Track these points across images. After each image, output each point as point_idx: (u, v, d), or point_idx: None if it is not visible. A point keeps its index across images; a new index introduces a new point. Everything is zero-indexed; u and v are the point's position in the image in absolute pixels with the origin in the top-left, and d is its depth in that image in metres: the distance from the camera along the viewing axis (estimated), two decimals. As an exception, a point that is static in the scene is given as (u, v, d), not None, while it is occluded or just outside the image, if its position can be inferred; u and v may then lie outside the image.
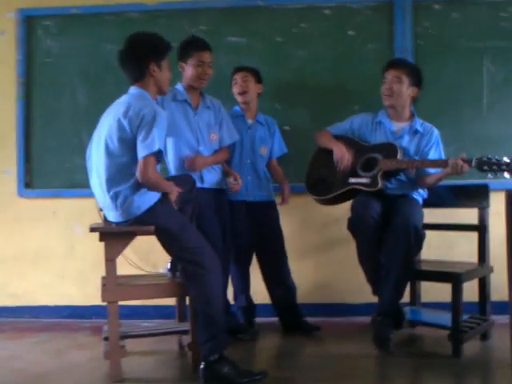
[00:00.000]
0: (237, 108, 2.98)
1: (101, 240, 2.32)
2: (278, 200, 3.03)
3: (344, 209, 2.79)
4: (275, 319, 3.00)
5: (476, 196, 2.70)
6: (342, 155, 2.74)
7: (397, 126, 2.78)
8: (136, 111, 2.23)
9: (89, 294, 3.23)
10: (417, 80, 2.74)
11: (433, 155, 2.71)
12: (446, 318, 2.53)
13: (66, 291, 3.34)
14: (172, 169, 2.73)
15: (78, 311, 3.31)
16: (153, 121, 2.21)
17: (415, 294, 2.93)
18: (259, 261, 2.97)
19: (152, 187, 2.27)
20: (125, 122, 2.23)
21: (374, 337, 2.50)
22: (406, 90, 2.72)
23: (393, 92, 2.72)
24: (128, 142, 2.24)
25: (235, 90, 2.93)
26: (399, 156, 2.63)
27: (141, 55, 2.32)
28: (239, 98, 2.93)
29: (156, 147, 2.20)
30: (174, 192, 2.33)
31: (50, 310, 3.34)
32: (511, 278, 1.81)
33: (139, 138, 2.21)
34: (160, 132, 2.23)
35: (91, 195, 2.47)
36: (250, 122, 2.96)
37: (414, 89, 2.74)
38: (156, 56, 2.33)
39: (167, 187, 2.31)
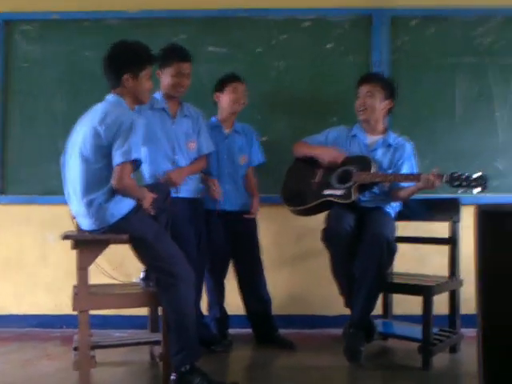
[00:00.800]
0: (213, 119, 2.98)
1: (73, 248, 2.29)
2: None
3: (319, 220, 2.79)
4: (249, 330, 3.00)
5: (447, 210, 2.74)
6: (332, 154, 2.75)
7: (371, 139, 2.82)
8: (113, 119, 2.22)
9: (60, 302, 3.20)
10: (390, 93, 2.78)
11: (406, 169, 2.74)
12: (417, 330, 2.55)
13: (36, 300, 3.29)
14: (147, 177, 2.71)
15: (48, 320, 3.26)
16: (130, 129, 2.20)
17: (387, 307, 2.96)
18: (236, 272, 2.96)
19: (126, 194, 2.26)
20: (101, 130, 2.21)
21: (345, 349, 2.51)
22: (380, 104, 2.76)
23: (366, 107, 2.76)
24: (103, 150, 2.22)
25: (233, 98, 2.88)
26: (373, 169, 2.65)
27: (116, 65, 2.32)
28: (234, 107, 2.91)
29: (132, 156, 2.19)
30: (148, 198, 2.31)
31: (19, 319, 3.29)
32: (479, 291, 1.83)
33: (115, 146, 2.19)
34: (137, 140, 2.22)
35: (65, 202, 2.45)
36: (226, 131, 2.97)
37: (389, 102, 2.78)
38: (133, 66, 2.31)
39: (140, 193, 2.30)
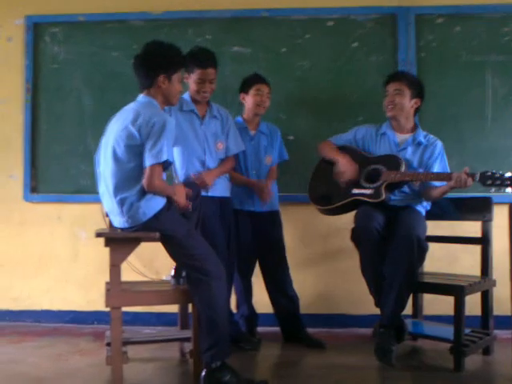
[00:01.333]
0: (239, 119, 3.00)
1: (106, 245, 2.33)
2: (282, 209, 3.03)
3: (346, 219, 2.81)
4: (277, 329, 3.00)
5: (479, 209, 2.70)
6: (347, 167, 2.75)
7: (400, 137, 2.81)
8: (146, 119, 2.25)
9: (92, 299, 3.26)
10: (418, 91, 2.77)
11: (437, 168, 2.73)
12: (448, 331, 2.53)
13: (68, 296, 3.35)
14: (179, 177, 2.73)
15: (80, 316, 3.33)
16: (162, 130, 2.23)
17: (417, 307, 2.93)
18: (262, 270, 2.98)
19: (157, 194, 2.29)
20: (133, 130, 2.25)
21: (376, 348, 2.50)
22: (408, 102, 2.75)
23: (395, 104, 2.75)
24: (136, 149, 2.26)
25: (258, 99, 2.90)
26: (403, 168, 2.64)
27: (152, 65, 2.35)
28: (261, 111, 2.94)
29: (164, 157, 2.23)
30: (180, 192, 2.34)
31: (52, 314, 3.35)
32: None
33: (147, 147, 2.23)
34: (168, 142, 2.25)
35: (95, 201, 2.49)
36: (252, 132, 2.98)
37: (417, 100, 2.78)
38: (167, 69, 2.35)
39: (172, 191, 2.33)
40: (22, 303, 3.37)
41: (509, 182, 2.39)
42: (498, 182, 2.41)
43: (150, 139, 2.23)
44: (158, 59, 2.35)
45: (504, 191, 2.43)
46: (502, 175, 2.41)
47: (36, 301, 3.37)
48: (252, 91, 2.91)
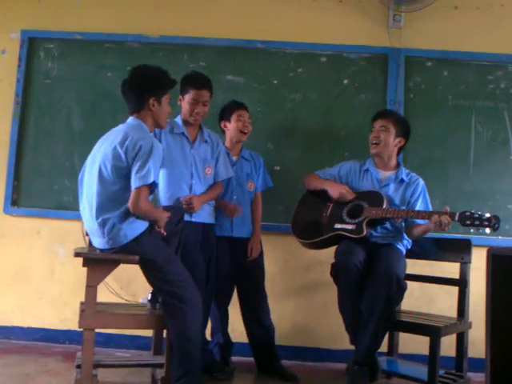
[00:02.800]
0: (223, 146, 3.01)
1: (84, 265, 2.30)
2: (264, 237, 3.02)
3: (328, 253, 2.80)
4: (252, 359, 2.97)
5: (458, 251, 2.73)
6: (340, 191, 2.77)
7: (383, 174, 2.85)
8: (133, 142, 2.26)
9: (65, 317, 3.20)
10: (404, 131, 2.83)
11: (419, 206, 2.76)
12: (422, 371, 2.52)
13: (41, 313, 3.28)
14: (163, 200, 2.72)
15: (51, 335, 3.25)
16: (149, 153, 2.24)
17: (393, 345, 2.92)
18: (239, 298, 2.95)
19: (142, 217, 2.28)
20: (121, 151, 2.26)
21: None
22: (393, 139, 2.80)
23: (380, 141, 2.80)
24: (122, 171, 2.26)
25: (241, 126, 2.92)
26: (385, 205, 2.67)
27: (142, 88, 2.37)
28: (243, 137, 2.95)
29: (150, 179, 2.23)
30: (164, 219, 2.34)
31: (22, 331, 3.28)
32: (489, 335, 1.83)
33: (134, 169, 2.23)
34: (155, 164, 2.26)
35: (77, 218, 2.47)
36: (234, 158, 2.99)
37: (401, 139, 2.83)
38: (157, 91, 2.37)
39: (157, 215, 2.33)
40: (-8, 318, 3.29)
41: (487, 223, 2.42)
42: (477, 223, 2.44)
43: (136, 161, 2.24)
44: (147, 82, 2.38)
45: (483, 232, 2.46)
46: (481, 216, 2.44)
47: (7, 316, 3.29)
48: (233, 117, 2.93)
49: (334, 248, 2.73)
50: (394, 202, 2.77)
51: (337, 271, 2.60)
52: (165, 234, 2.36)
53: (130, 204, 2.23)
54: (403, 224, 2.79)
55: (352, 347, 2.63)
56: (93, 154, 2.40)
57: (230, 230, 2.90)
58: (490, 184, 3.24)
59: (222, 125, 2.99)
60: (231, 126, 2.94)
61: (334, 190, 2.80)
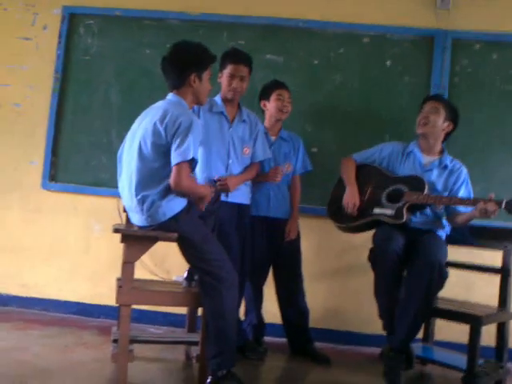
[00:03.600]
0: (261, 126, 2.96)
1: (122, 241, 2.32)
2: (300, 220, 2.99)
3: (363, 237, 2.77)
4: (284, 340, 2.97)
5: (501, 238, 2.65)
6: (351, 202, 2.73)
7: (427, 158, 2.77)
8: (173, 118, 2.24)
9: (100, 293, 3.24)
10: (453, 116, 2.74)
11: (462, 194, 2.68)
12: (458, 359, 2.49)
13: (77, 288, 3.34)
14: (200, 179, 2.70)
15: (87, 309, 3.31)
16: (189, 129, 2.22)
17: (429, 331, 2.87)
18: (275, 279, 2.95)
19: (185, 194, 2.27)
20: (161, 128, 2.24)
21: (386, 372, 2.44)
22: (442, 122, 2.72)
23: (428, 121, 2.71)
24: (162, 148, 2.25)
25: (280, 105, 2.90)
26: (426, 191, 2.60)
27: (183, 64, 2.35)
28: (283, 116, 2.92)
29: (190, 155, 2.21)
30: (209, 195, 2.34)
31: (59, 304, 3.34)
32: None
33: (174, 145, 2.22)
34: (195, 141, 2.24)
35: (113, 195, 2.48)
36: (272, 138, 2.97)
37: (450, 124, 2.74)
38: (198, 67, 2.35)
39: (202, 191, 2.33)
40: (29, 290, 3.36)
41: None
42: None
43: (176, 138, 2.22)
44: (188, 58, 2.35)
45: None
46: None
47: (44, 289, 3.36)
48: (273, 97, 2.90)
49: (369, 232, 2.68)
50: (435, 187, 2.70)
51: (375, 257, 2.55)
52: (203, 209, 2.35)
53: (171, 181, 2.22)
54: (443, 210, 2.71)
55: (384, 332, 2.60)
56: (132, 131, 2.40)
57: (266, 210, 2.88)
58: (535, 173, 3.13)
59: (262, 104, 2.96)
60: (270, 105, 2.92)
61: (348, 198, 2.75)
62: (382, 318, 2.61)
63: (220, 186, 2.61)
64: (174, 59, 2.37)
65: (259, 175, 2.84)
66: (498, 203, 2.42)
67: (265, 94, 2.94)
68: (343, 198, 2.78)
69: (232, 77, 2.70)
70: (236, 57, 2.72)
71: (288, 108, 2.92)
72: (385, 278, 2.52)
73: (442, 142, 2.80)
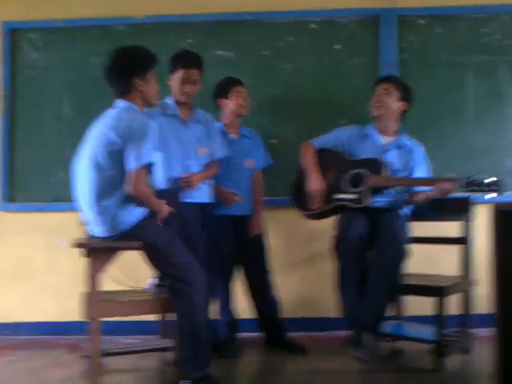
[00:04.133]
0: (218, 125, 2.95)
1: (86, 256, 2.28)
2: (265, 212, 2.99)
3: (329, 222, 2.78)
4: (258, 334, 2.96)
5: (459, 210, 2.69)
6: (315, 188, 2.74)
7: (384, 139, 2.79)
8: (125, 124, 2.22)
9: (69, 309, 3.16)
10: (406, 95, 2.76)
11: (420, 173, 2.71)
12: (428, 331, 2.52)
13: (46, 307, 3.27)
14: (159, 182, 2.67)
15: (57, 327, 3.25)
16: (143, 133, 2.20)
17: (399, 308, 2.89)
18: (244, 275, 2.94)
19: (142, 201, 2.24)
20: (114, 135, 2.21)
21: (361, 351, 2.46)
22: (395, 102, 2.74)
23: (381, 103, 2.73)
24: (117, 156, 2.21)
25: (241, 102, 2.89)
26: (385, 172, 2.62)
27: (125, 70, 2.31)
28: (243, 111, 2.91)
29: (146, 159, 2.19)
30: (164, 211, 2.30)
31: (27, 326, 3.27)
32: (497, 292, 1.81)
33: (129, 151, 2.19)
34: (150, 145, 2.21)
35: (73, 209, 2.43)
36: (233, 136, 2.95)
37: (404, 103, 2.76)
38: (140, 69, 2.32)
39: (156, 206, 2.29)
40: (-2, 315, 3.29)
41: (490, 189, 2.38)
42: (483, 188, 2.39)
43: (131, 143, 2.19)
44: (129, 63, 2.32)
45: (487, 195, 2.41)
46: (483, 182, 2.39)
47: (12, 313, 3.28)
48: (233, 94, 2.89)
49: (335, 217, 2.69)
50: (395, 167, 2.72)
51: (337, 245, 2.56)
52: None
53: (128, 187, 2.19)
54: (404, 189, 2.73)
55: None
56: (85, 142, 2.36)
57: (230, 209, 2.86)
58: (489, 140, 3.18)
59: (219, 102, 2.93)
60: (231, 103, 2.89)
61: (311, 184, 2.75)
62: (345, 314, 2.59)
63: (184, 183, 2.59)
64: (116, 66, 2.33)
65: (217, 188, 2.83)
66: (457, 182, 2.45)
67: (221, 92, 2.92)
68: (306, 184, 2.77)
69: (184, 81, 2.68)
70: (187, 60, 2.69)
71: (248, 103, 2.92)
72: (348, 267, 2.53)
73: (399, 121, 2.81)
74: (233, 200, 2.81)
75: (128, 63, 2.32)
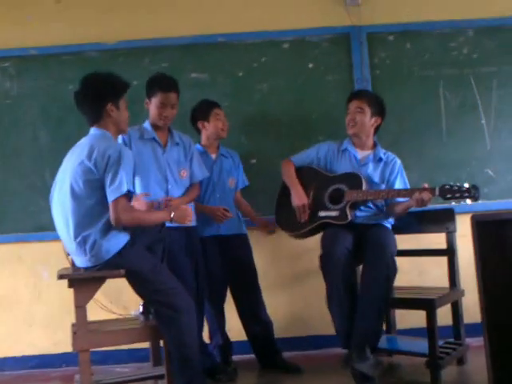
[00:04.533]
0: (198, 146, 2.97)
1: (70, 286, 2.26)
2: (249, 232, 3.02)
3: (315, 239, 2.78)
4: (253, 356, 2.95)
5: (442, 221, 2.73)
6: (300, 203, 2.76)
7: (361, 153, 2.84)
8: (101, 153, 2.20)
9: (58, 341, 3.13)
10: (379, 110, 2.82)
11: (398, 185, 2.76)
12: (422, 344, 2.52)
13: (33, 339, 3.21)
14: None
15: (46, 360, 3.19)
16: (119, 161, 2.19)
17: (390, 322, 2.92)
18: (233, 296, 2.94)
19: (138, 226, 2.24)
20: (90, 164, 2.20)
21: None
22: (369, 120, 2.79)
23: (356, 122, 2.78)
24: (95, 184, 2.20)
25: (220, 125, 2.92)
26: (364, 186, 2.67)
27: (97, 96, 2.30)
28: (223, 134, 2.94)
29: (125, 189, 2.18)
30: (167, 216, 2.31)
31: (16, 361, 3.20)
32: (483, 302, 1.85)
33: (107, 181, 2.18)
34: (127, 172, 2.21)
35: (57, 238, 2.41)
36: (213, 156, 2.97)
37: (377, 119, 2.82)
38: (113, 96, 2.31)
39: (160, 218, 2.30)
40: (-18, 351, 3.21)
41: (467, 194, 2.42)
42: (458, 195, 2.44)
43: (108, 172, 2.18)
44: (101, 89, 2.31)
45: (464, 202, 2.46)
46: (461, 187, 2.44)
47: (-2, 347, 3.22)
48: (212, 117, 2.91)
49: (320, 234, 2.71)
50: (373, 180, 2.77)
51: (324, 263, 2.56)
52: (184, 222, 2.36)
53: (111, 218, 2.18)
54: (384, 202, 2.78)
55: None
56: (61, 171, 2.34)
57: (217, 229, 2.87)
58: (465, 150, 3.26)
59: (200, 124, 2.95)
60: (210, 126, 2.92)
61: (296, 200, 2.78)
62: (338, 333, 2.59)
63: (165, 207, 2.56)
64: (87, 93, 2.32)
65: (204, 208, 2.84)
66: (432, 191, 2.49)
67: (201, 115, 2.94)
68: (291, 200, 2.80)
69: (163, 105, 2.68)
70: (165, 84, 2.70)
71: (227, 125, 2.95)
72: (337, 284, 2.51)
73: (374, 135, 2.88)
74: (226, 216, 2.81)
75: (100, 89, 2.31)
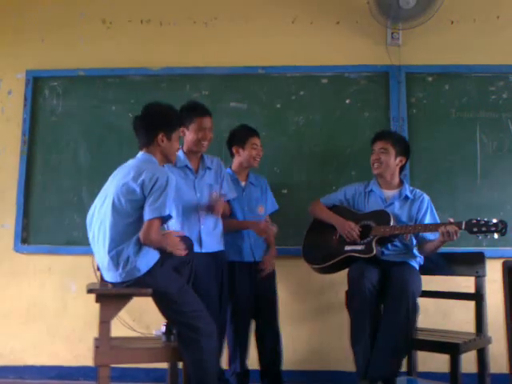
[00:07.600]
0: (229, 170, 3.01)
1: (97, 301, 2.30)
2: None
3: (341, 274, 2.78)
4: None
5: (472, 264, 2.68)
6: (348, 228, 2.75)
7: (387, 193, 2.85)
8: (149, 175, 2.29)
9: (79, 354, 3.18)
10: (403, 150, 2.84)
11: (428, 221, 2.74)
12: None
13: (55, 350, 3.26)
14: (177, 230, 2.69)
15: (66, 372, 3.23)
16: (165, 185, 2.27)
17: (412, 363, 2.84)
18: (255, 323, 2.91)
19: (151, 246, 2.29)
20: (135, 185, 2.28)
21: None
22: (393, 160, 2.82)
23: (380, 162, 2.81)
24: (138, 203, 2.29)
25: (255, 154, 2.96)
26: (392, 222, 2.66)
27: (151, 124, 2.43)
28: (254, 163, 2.97)
29: (166, 212, 2.25)
30: (173, 244, 2.33)
31: (37, 370, 3.25)
32: (510, 349, 1.79)
33: (149, 201, 2.25)
34: (170, 197, 2.28)
35: (87, 253, 2.47)
36: (243, 184, 3.01)
37: (402, 158, 2.84)
38: (167, 127, 2.43)
39: (170, 246, 2.32)
40: (4, 359, 3.26)
41: (494, 228, 2.41)
42: (484, 229, 2.42)
43: (152, 194, 2.26)
44: (157, 119, 2.44)
45: (491, 237, 2.44)
46: (488, 222, 2.43)
47: (20, 355, 3.27)
48: (248, 145, 2.95)
49: (346, 270, 2.69)
50: (400, 219, 2.76)
51: (350, 296, 2.55)
52: (185, 252, 2.37)
53: (141, 234, 2.24)
54: (414, 241, 2.77)
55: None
56: (104, 190, 2.43)
57: (251, 255, 2.88)
58: (499, 194, 3.22)
59: (235, 150, 2.99)
60: (245, 153, 2.96)
61: (342, 228, 2.78)
62: (358, 368, 2.53)
63: (213, 203, 2.68)
64: (145, 119, 2.45)
65: (240, 224, 2.88)
66: (459, 224, 2.49)
67: (238, 141, 2.97)
68: (337, 230, 2.79)
69: (202, 129, 2.75)
70: (201, 110, 2.78)
71: (260, 155, 2.99)
72: (362, 321, 2.49)
73: (399, 174, 2.89)
74: (269, 228, 2.83)
75: (157, 118, 2.44)
